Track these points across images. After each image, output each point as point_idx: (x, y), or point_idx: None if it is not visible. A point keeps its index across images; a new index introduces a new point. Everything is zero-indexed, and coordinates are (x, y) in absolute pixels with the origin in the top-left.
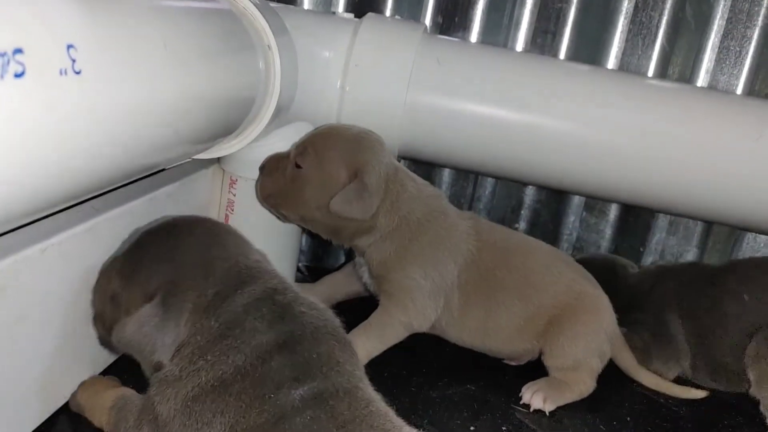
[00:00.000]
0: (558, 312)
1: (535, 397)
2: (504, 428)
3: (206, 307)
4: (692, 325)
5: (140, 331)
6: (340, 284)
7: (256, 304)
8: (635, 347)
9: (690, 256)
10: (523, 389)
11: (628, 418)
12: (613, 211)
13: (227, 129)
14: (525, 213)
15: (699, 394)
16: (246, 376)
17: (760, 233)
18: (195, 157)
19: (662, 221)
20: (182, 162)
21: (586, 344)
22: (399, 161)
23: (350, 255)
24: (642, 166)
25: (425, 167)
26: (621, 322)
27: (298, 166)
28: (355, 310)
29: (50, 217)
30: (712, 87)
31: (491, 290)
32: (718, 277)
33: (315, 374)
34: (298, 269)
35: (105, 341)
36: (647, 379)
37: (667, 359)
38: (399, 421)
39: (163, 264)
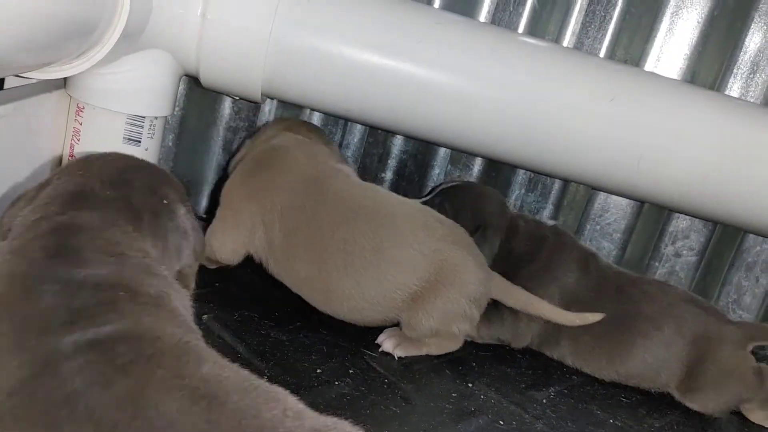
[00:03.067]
0: (417, 288)
1: (388, 341)
2: (351, 371)
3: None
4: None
5: None
6: None
7: (48, 233)
8: None
9: (546, 212)
10: (383, 332)
11: (474, 363)
12: (477, 165)
13: (65, 46)
14: (392, 162)
15: (596, 317)
16: (10, 311)
17: (611, 193)
18: (33, 75)
19: (522, 177)
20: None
21: (445, 315)
22: (264, 100)
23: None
24: (503, 121)
25: (294, 110)
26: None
27: None
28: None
29: None
30: (577, 48)
31: (330, 252)
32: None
33: (94, 319)
34: None
35: None
36: (546, 310)
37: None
38: (198, 357)
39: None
